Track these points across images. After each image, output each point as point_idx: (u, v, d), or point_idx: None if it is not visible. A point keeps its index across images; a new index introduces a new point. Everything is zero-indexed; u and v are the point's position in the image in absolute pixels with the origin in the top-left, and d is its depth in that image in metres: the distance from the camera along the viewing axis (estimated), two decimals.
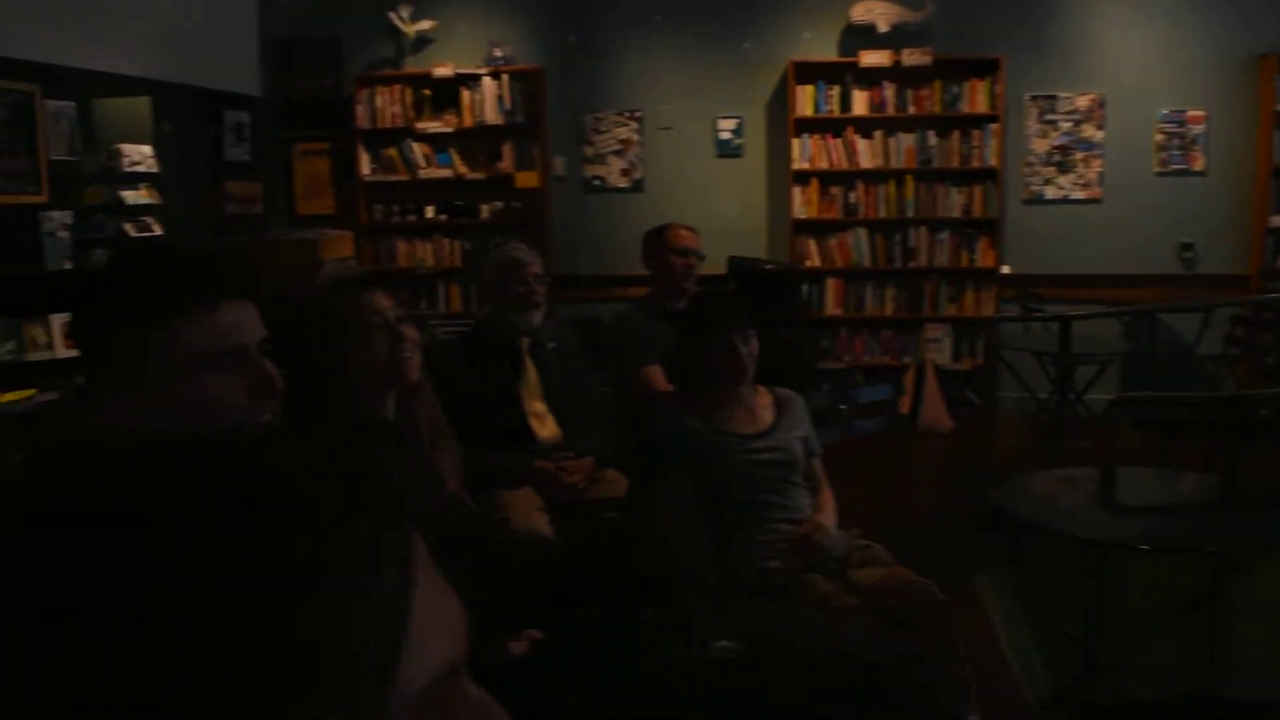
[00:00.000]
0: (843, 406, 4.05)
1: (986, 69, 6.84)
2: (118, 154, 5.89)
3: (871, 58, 6.84)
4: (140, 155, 6.00)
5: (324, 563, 0.44)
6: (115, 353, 1.27)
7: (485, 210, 7.27)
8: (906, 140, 6.97)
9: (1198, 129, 6.89)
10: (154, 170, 6.09)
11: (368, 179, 7.36)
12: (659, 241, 4.10)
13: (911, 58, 6.81)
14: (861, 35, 6.97)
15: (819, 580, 2.59)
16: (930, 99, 6.92)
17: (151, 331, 1.26)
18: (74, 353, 4.94)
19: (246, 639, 0.41)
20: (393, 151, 7.33)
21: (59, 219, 5.78)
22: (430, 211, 7.32)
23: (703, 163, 7.23)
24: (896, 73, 6.90)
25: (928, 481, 5.71)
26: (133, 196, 5.92)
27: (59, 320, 5.38)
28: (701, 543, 2.60)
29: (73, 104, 5.93)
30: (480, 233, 7.30)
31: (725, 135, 7.20)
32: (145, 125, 6.60)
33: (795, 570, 2.58)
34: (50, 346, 5.37)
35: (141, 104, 6.66)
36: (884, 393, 4.74)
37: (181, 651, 0.41)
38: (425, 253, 7.39)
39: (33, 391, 5.21)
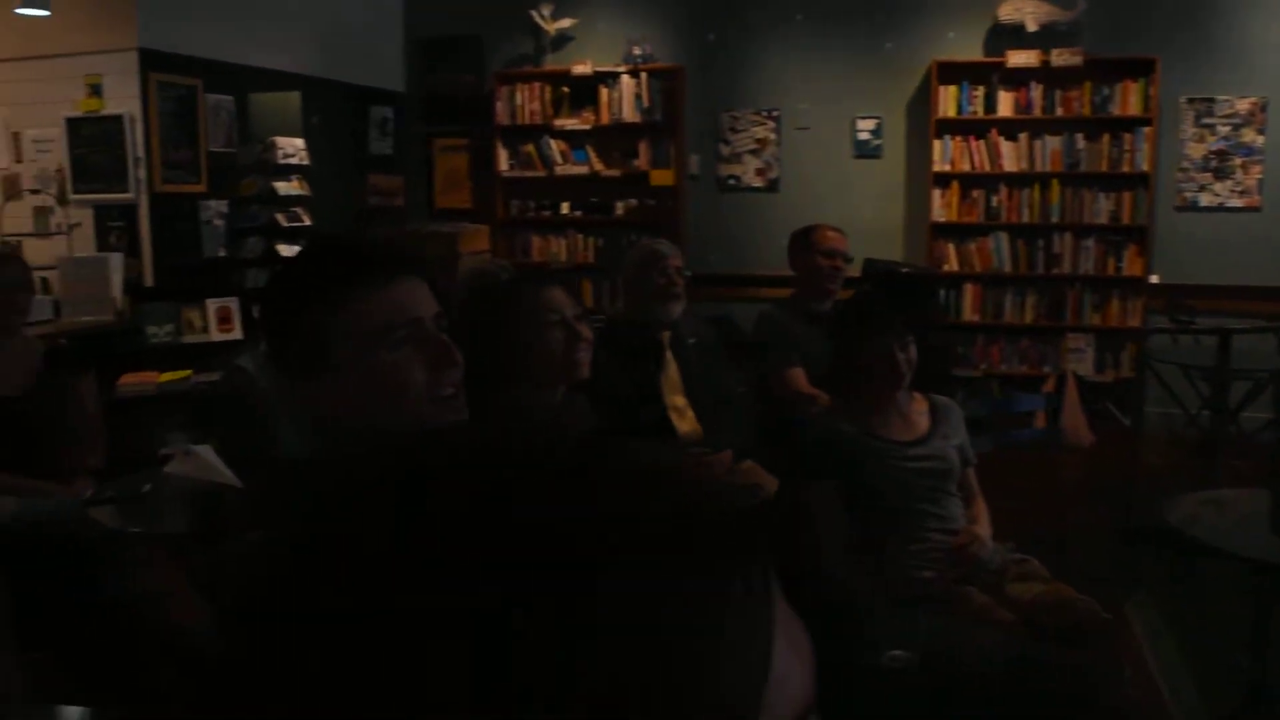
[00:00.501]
0: (990, 415, 3.93)
1: (1140, 70, 6.59)
2: (273, 146, 6.11)
3: (1019, 58, 6.66)
4: (293, 148, 6.21)
5: (709, 605, 0.41)
6: (300, 338, 1.31)
7: (620, 207, 7.32)
8: (1053, 143, 6.77)
9: None
10: (305, 163, 6.29)
11: (505, 175, 7.48)
12: (805, 242, 4.06)
13: (1061, 58, 6.60)
14: (1009, 35, 6.79)
15: (975, 593, 2.53)
16: (1079, 100, 6.70)
17: (329, 312, 1.29)
18: (228, 336, 5.13)
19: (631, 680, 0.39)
20: (530, 148, 7.43)
21: (216, 208, 6.03)
22: (565, 208, 7.40)
23: (840, 163, 7.14)
24: (1044, 73, 6.70)
25: (1069, 497, 5.52)
26: (285, 187, 6.13)
27: (214, 305, 5.60)
28: (850, 549, 2.56)
29: (231, 98, 6.17)
30: (614, 230, 7.34)
31: (864, 135, 7.10)
32: (296, 119, 6.83)
33: (951, 581, 2.53)
34: (205, 330, 5.59)
35: (293, 99, 6.89)
36: (1038, 403, 4.60)
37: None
38: (559, 248, 7.47)
39: (188, 372, 5.43)
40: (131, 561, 2.83)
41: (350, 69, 7.14)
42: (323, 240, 1.29)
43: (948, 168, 6.84)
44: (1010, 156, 6.81)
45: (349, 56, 7.11)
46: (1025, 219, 6.83)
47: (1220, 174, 6.71)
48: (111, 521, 2.75)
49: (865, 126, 7.10)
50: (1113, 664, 2.18)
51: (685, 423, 3.51)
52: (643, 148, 7.25)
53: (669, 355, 3.55)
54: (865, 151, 7.11)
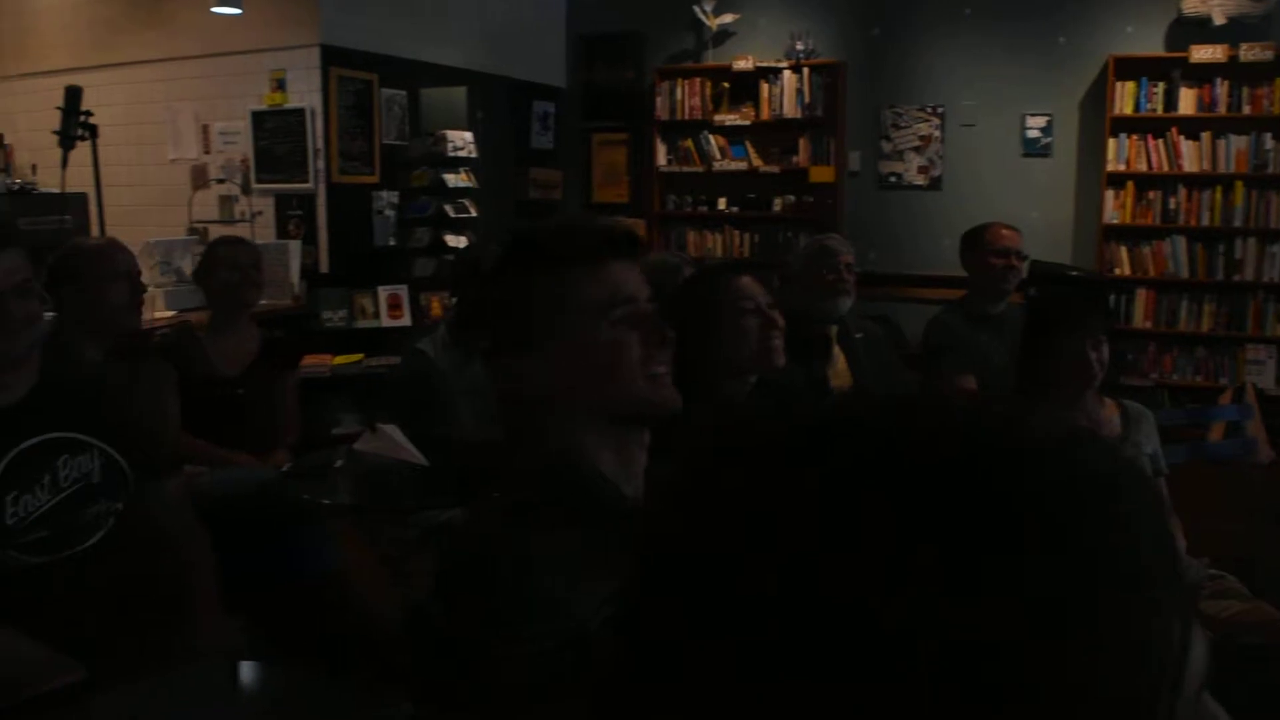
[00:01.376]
0: (1182, 424, 3.78)
1: None
2: (443, 139, 6.28)
3: (1203, 53, 6.35)
4: (462, 141, 6.38)
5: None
6: (522, 313, 1.34)
7: (778, 203, 7.28)
8: (1238, 143, 6.43)
9: None
10: (473, 155, 6.45)
11: (663, 169, 7.52)
12: (978, 241, 3.96)
13: (1250, 53, 6.27)
14: (1193, 29, 6.48)
15: None
16: (1269, 98, 6.35)
17: (557, 285, 1.32)
18: (398, 322, 5.30)
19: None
20: (689, 143, 7.45)
21: (387, 198, 6.24)
22: (722, 203, 7.40)
23: (1007, 161, 6.94)
24: (1231, 69, 6.37)
25: (1253, 516, 5.25)
26: (453, 179, 6.30)
27: (385, 291, 5.80)
28: None
29: (404, 93, 6.38)
30: (771, 226, 7.31)
31: (1033, 133, 6.89)
32: (461, 113, 7.01)
33: None
34: (376, 315, 5.80)
35: (459, 93, 7.07)
36: (1233, 413, 4.39)
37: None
38: (715, 243, 7.47)
39: (360, 356, 5.65)
40: (326, 534, 2.96)
41: (514, 64, 7.29)
42: (549, 220, 1.33)
43: (1122, 167, 6.57)
44: (1191, 157, 6.51)
45: (513, 52, 7.26)
46: (1205, 222, 6.51)
47: None
48: (307, 494, 2.88)
49: (1035, 124, 6.88)
50: None
51: None
52: (802, 144, 7.19)
53: (836, 349, 3.54)
54: (1034, 150, 6.90)
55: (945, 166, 7.08)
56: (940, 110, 7.06)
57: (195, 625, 2.21)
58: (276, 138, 6.03)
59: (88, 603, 2.09)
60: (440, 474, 2.98)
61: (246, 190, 6.15)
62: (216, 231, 6.11)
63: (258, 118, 6.09)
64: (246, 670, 2.14)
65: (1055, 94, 6.84)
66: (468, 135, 6.44)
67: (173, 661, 2.07)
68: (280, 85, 6.01)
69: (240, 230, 6.13)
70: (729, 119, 7.30)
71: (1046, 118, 6.87)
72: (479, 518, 1.36)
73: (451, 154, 6.29)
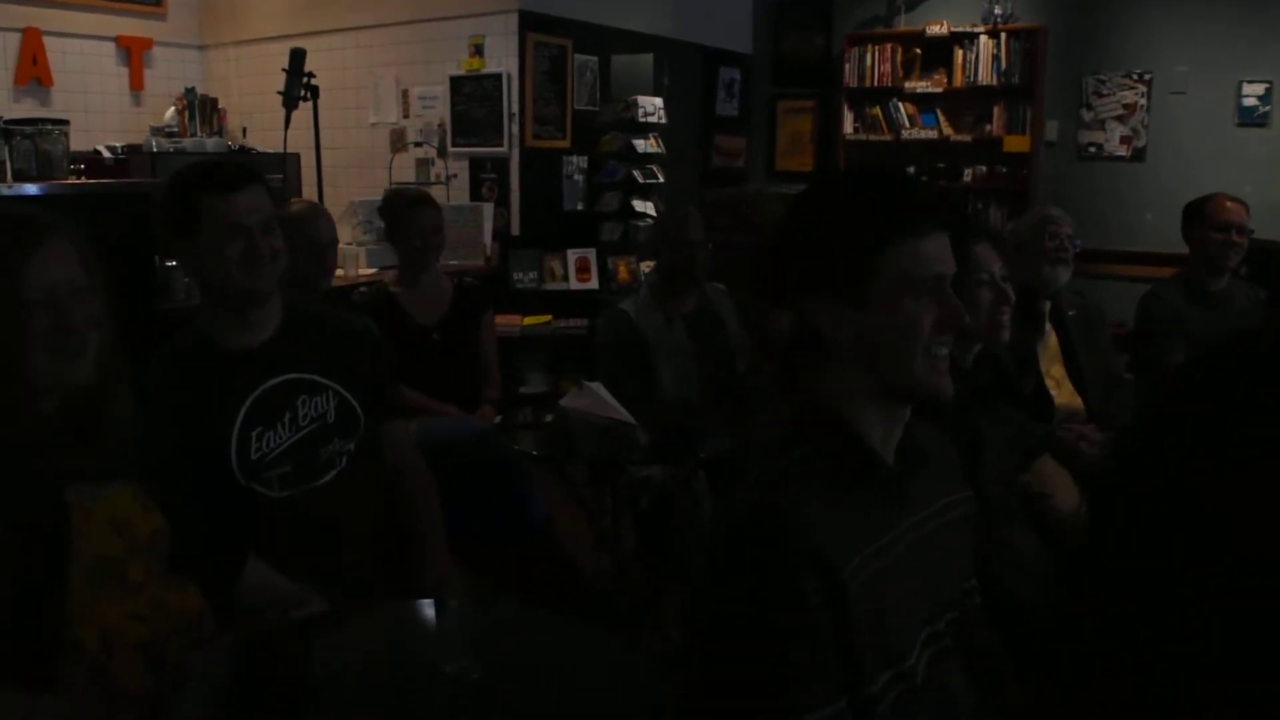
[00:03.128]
0: None
1: None
2: (634, 104, 6.33)
3: None
4: (652, 106, 6.42)
5: None
6: (844, 269, 1.34)
7: (969, 173, 7.08)
8: None
9: None
10: (663, 121, 6.49)
11: (849, 138, 7.40)
12: (1198, 214, 3.79)
13: None
14: None
15: None
16: None
17: (877, 248, 1.32)
18: (586, 285, 5.38)
19: None
20: (876, 111, 7.31)
21: (577, 163, 6.34)
22: (910, 172, 7.23)
23: (1220, 132, 6.56)
24: None
25: None
26: (642, 145, 6.35)
27: (574, 255, 5.91)
28: None
29: (595, 59, 6.45)
30: (962, 196, 7.12)
31: (1250, 101, 6.48)
32: (648, 80, 7.05)
33: None
34: (565, 278, 5.91)
35: (646, 60, 7.11)
36: None
37: None
38: None
39: (549, 317, 5.78)
40: (536, 487, 3.05)
41: (701, 30, 7.28)
42: (877, 175, 1.30)
43: None
44: None
45: (700, 18, 7.25)
46: None
47: None
48: (522, 447, 2.97)
49: (1252, 91, 6.47)
50: None
51: (1063, 394, 3.39)
52: (996, 112, 6.96)
53: (1049, 325, 3.44)
54: (1251, 119, 6.49)
55: (1150, 137, 6.74)
56: (1148, 77, 6.72)
57: (426, 562, 2.31)
58: (473, 102, 6.20)
59: (325, 538, 2.20)
60: (642, 432, 3.03)
61: (443, 153, 6.35)
62: None
63: (455, 83, 6.26)
64: (470, 608, 2.22)
65: (1275, 59, 6.42)
66: (658, 101, 6.48)
67: (406, 595, 2.15)
68: (478, 51, 6.17)
69: (436, 192, 6.34)
70: (920, 86, 7.13)
71: (1266, 85, 6.46)
72: (755, 469, 1.37)
73: (642, 119, 6.33)
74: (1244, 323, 3.72)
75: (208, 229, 2.05)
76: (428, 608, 1.99)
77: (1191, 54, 6.58)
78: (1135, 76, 6.75)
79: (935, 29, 7.05)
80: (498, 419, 3.31)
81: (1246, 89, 6.50)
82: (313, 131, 4.82)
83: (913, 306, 1.31)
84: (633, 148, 6.28)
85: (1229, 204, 3.76)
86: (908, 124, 7.23)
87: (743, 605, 1.21)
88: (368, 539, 2.30)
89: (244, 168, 2.18)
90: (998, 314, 2.16)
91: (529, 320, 5.67)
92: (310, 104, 4.77)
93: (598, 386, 3.13)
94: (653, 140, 6.40)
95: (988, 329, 2.17)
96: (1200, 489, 0.43)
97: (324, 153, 5.02)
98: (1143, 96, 6.74)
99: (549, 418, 3.06)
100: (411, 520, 2.37)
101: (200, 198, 2.06)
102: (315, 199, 4.58)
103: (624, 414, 3.00)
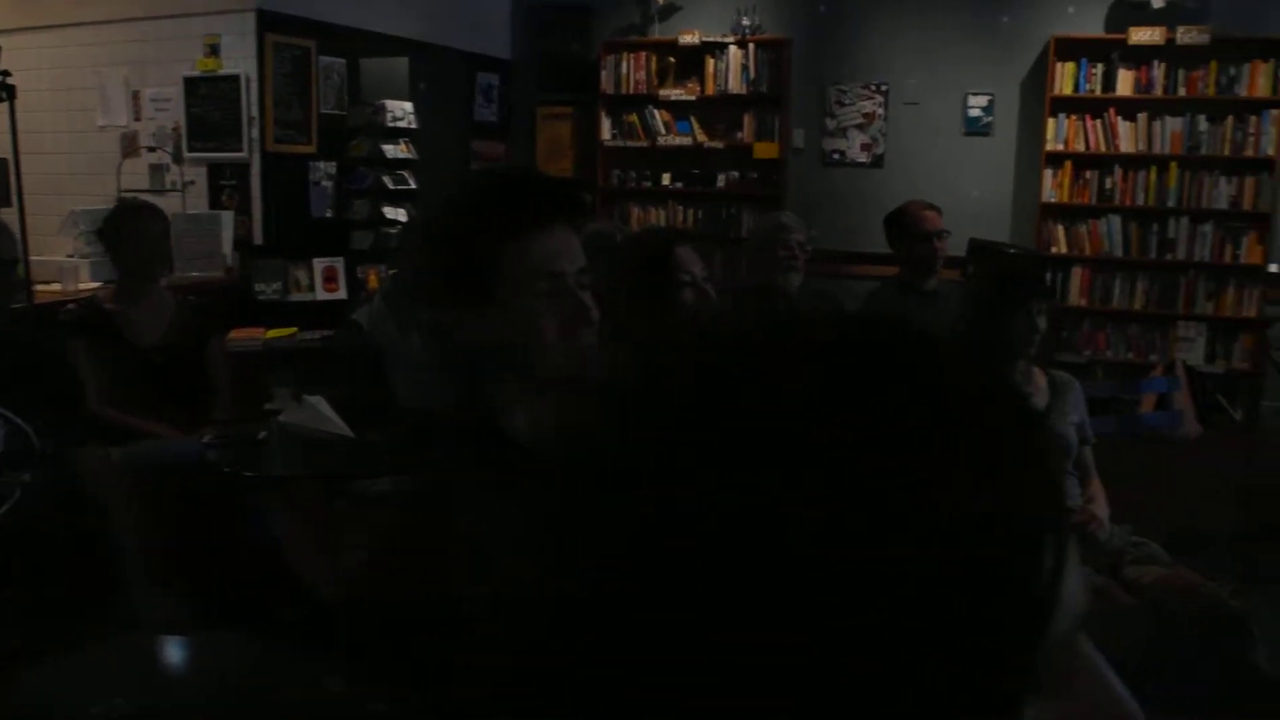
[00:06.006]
0: (1111, 398, 3.83)
1: (1269, 50, 6.30)
2: (382, 109, 6.18)
3: (1142, 34, 6.42)
4: (402, 111, 6.29)
5: None
6: (466, 270, 1.31)
7: (722, 179, 7.27)
8: (1174, 124, 6.52)
9: None
10: (413, 126, 6.36)
11: (607, 144, 7.47)
12: (899, 225, 4.00)
13: (1187, 35, 6.35)
14: (1132, 10, 6.55)
15: (1090, 574, 2.46)
16: (1204, 80, 6.45)
17: (498, 249, 1.29)
18: (333, 295, 5.21)
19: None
20: (634, 118, 7.41)
21: (324, 169, 6.13)
22: (667, 179, 7.38)
23: (948, 140, 6.98)
24: (1168, 51, 6.45)
25: (1178, 488, 5.37)
26: (393, 151, 6.20)
27: (321, 264, 5.70)
28: None
29: (343, 61, 6.26)
30: (715, 202, 7.30)
31: (975, 112, 6.93)
32: (403, 84, 6.90)
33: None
34: (311, 289, 5.70)
35: (401, 64, 6.96)
36: (1162, 385, 4.47)
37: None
38: (659, 219, 7.45)
39: (294, 330, 5.54)
40: (259, 506, 2.91)
41: (458, 35, 7.19)
42: (505, 171, 1.28)
43: (1061, 147, 6.64)
44: (1127, 137, 6.59)
45: (457, 22, 7.16)
46: (1140, 202, 6.60)
47: None
48: (229, 466, 2.82)
49: (977, 103, 6.93)
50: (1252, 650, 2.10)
51: None
52: (747, 120, 7.18)
53: None
54: (976, 129, 6.95)
55: (888, 144, 7.11)
56: (884, 88, 7.08)
57: (131, 595, 2.17)
58: (210, 105, 5.89)
59: (5, 573, 2.04)
60: (373, 444, 2.94)
61: (178, 159, 6.01)
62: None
63: (190, 84, 5.94)
64: (184, 642, 2.09)
65: (997, 74, 6.89)
66: (408, 106, 6.35)
67: (109, 632, 2.02)
68: (214, 51, 5.87)
69: (171, 199, 6.00)
70: (674, 94, 7.27)
71: (988, 97, 6.92)
72: (409, 481, 1.34)
73: (391, 124, 6.19)
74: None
75: None
76: (133, 644, 1.86)
77: (922, 67, 6.98)
78: (873, 87, 7.10)
79: (688, 38, 7.21)
80: (205, 438, 3.14)
81: (971, 100, 6.94)
82: (10, 136, 4.43)
83: (534, 305, 1.29)
84: (382, 153, 6.13)
85: (925, 213, 3.97)
86: (664, 131, 7.36)
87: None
88: (63, 572, 2.14)
89: None
90: (701, 315, 2.19)
91: (272, 333, 5.41)
92: (9, 104, 4.38)
93: (318, 401, 3.01)
94: (404, 146, 6.26)
95: None
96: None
97: (48, 158, 4.65)
98: (880, 106, 7.10)
99: (263, 434, 2.92)
100: (115, 551, 2.23)
101: None
102: (16, 208, 4.22)
103: (343, 428, 2.90)
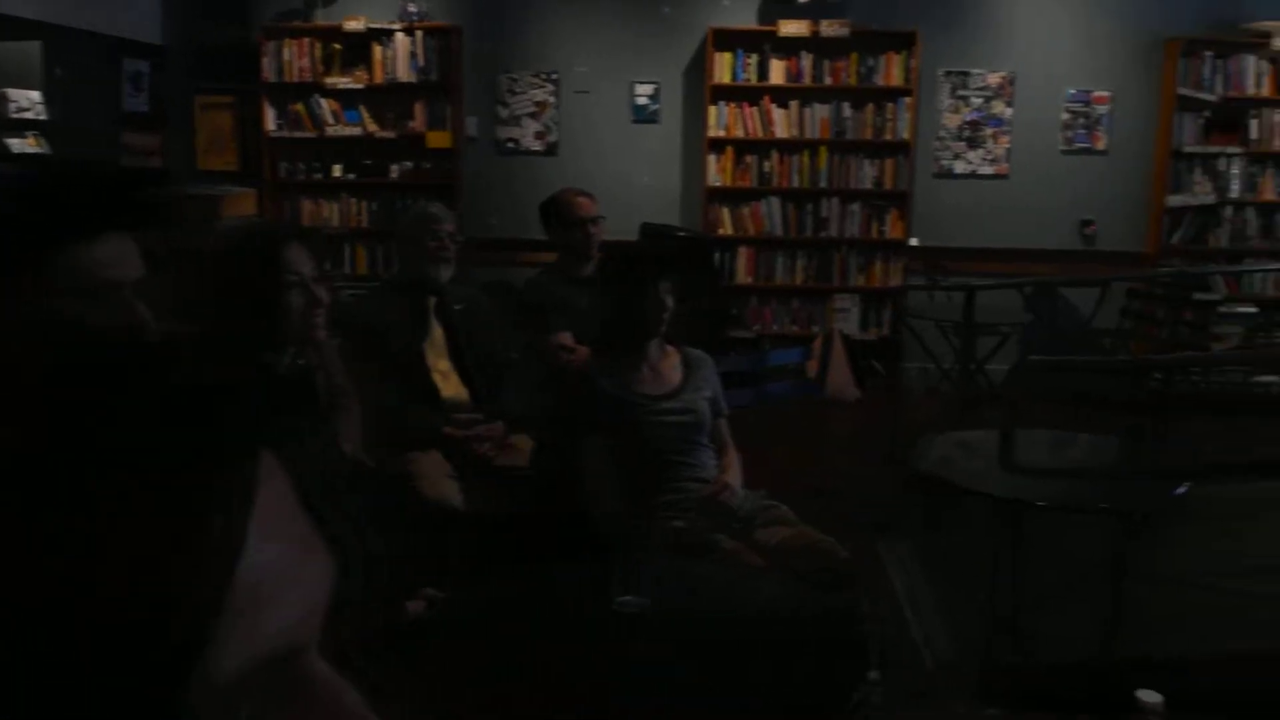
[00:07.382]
0: (752, 370, 4.05)
1: (902, 43, 6.89)
2: (4, 99, 5.61)
3: (790, 27, 6.84)
4: (28, 101, 5.73)
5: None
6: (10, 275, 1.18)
7: (394, 170, 7.12)
8: (822, 111, 7.00)
9: (1102, 109, 7.03)
10: (42, 118, 5.81)
11: (273, 135, 7.14)
12: (554, 212, 4.05)
13: (830, 29, 6.82)
14: (781, 4, 6.96)
15: (724, 539, 2.58)
16: (846, 71, 6.95)
17: (45, 256, 1.17)
18: None
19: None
20: (300, 107, 7.12)
21: None
22: (338, 170, 7.14)
23: (618, 128, 7.16)
24: (814, 43, 6.90)
25: (833, 448, 5.77)
26: (19, 144, 5.64)
27: None
28: (617, 503, 2.59)
29: None
30: (389, 193, 7.14)
31: (642, 101, 7.14)
32: (36, 71, 6.29)
33: (702, 529, 2.57)
34: None
35: (33, 48, 6.34)
36: (794, 356, 4.76)
37: None
38: (331, 213, 7.20)
39: None
40: None
41: (101, 19, 6.63)
42: (53, 169, 1.15)
43: (722, 134, 6.97)
44: (782, 124, 7.00)
45: (100, 5, 6.61)
46: (796, 184, 7.04)
47: (973, 143, 7.11)
48: None
49: (643, 92, 7.14)
50: (850, 602, 2.27)
51: (449, 387, 3.50)
52: (418, 109, 7.06)
53: (434, 320, 3.52)
54: (643, 116, 7.16)
55: (560, 133, 7.20)
56: (554, 77, 7.16)
57: None
58: None
59: None
60: None
61: None
62: None
63: None
64: None
65: (662, 63, 7.13)
66: (34, 95, 5.79)
67: None
68: None
69: None
70: (341, 82, 7.04)
71: (654, 86, 7.15)
72: None
73: (15, 115, 5.63)
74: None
75: None
76: None
77: (591, 56, 7.11)
78: (543, 76, 7.16)
79: (353, 24, 6.99)
80: None
81: (639, 89, 7.15)
82: None
83: (80, 313, 1.18)
84: (6, 147, 5.57)
85: (578, 199, 4.02)
86: (332, 120, 7.11)
87: None
88: None
89: None
90: (309, 316, 2.11)
91: None
92: None
93: None
94: (32, 139, 5.72)
95: (300, 332, 2.11)
96: None
97: None
98: (552, 95, 7.18)
99: None
100: None
101: None
102: None
103: None
